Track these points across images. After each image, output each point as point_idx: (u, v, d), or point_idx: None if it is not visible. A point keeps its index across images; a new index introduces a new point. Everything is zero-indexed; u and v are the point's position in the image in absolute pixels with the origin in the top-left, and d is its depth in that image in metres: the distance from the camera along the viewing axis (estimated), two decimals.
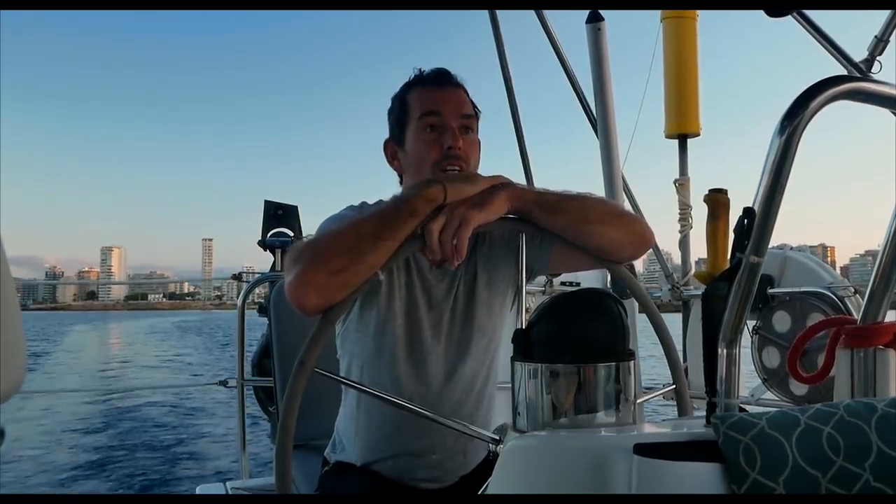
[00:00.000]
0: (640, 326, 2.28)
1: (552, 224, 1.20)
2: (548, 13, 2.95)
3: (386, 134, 1.51)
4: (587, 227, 1.21)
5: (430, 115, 1.40)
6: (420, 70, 1.47)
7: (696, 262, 3.13)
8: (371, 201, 1.46)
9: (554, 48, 2.97)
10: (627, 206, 2.86)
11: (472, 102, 1.45)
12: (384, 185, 1.56)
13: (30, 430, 9.15)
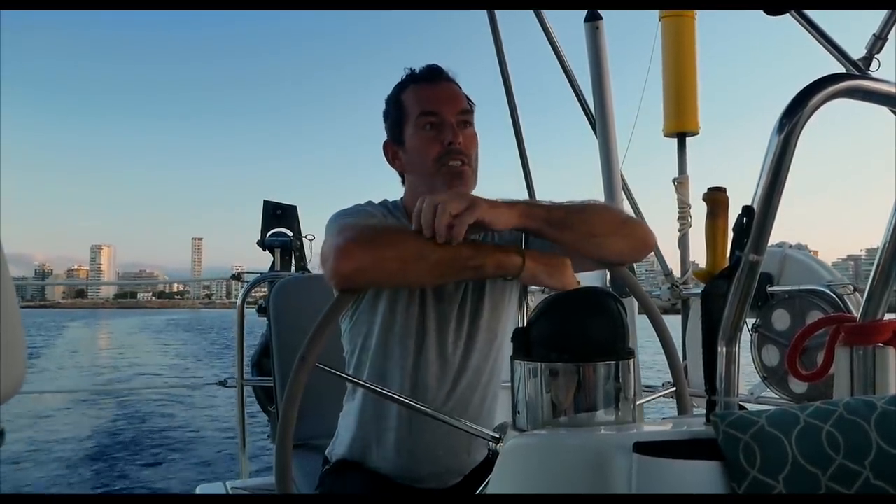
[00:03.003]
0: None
1: (561, 239, 1.24)
2: (546, 12, 2.95)
3: (381, 131, 1.51)
4: (594, 240, 1.25)
5: (427, 115, 1.40)
6: (411, 69, 1.47)
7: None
8: (377, 200, 1.48)
9: (552, 47, 2.97)
10: (626, 205, 2.86)
11: (467, 96, 1.46)
12: (380, 179, 1.56)
13: (27, 429, 9.15)
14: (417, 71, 1.47)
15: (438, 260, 1.13)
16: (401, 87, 1.47)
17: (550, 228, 1.22)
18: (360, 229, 1.17)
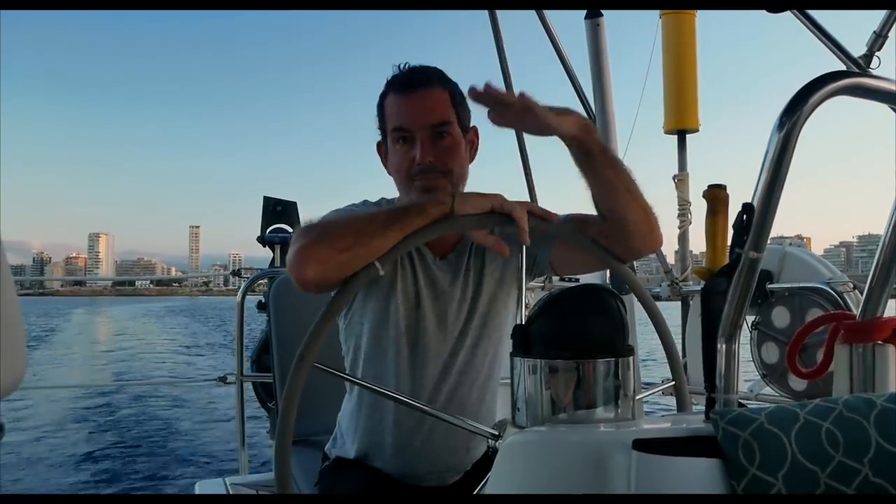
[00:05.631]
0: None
1: (599, 173, 1.18)
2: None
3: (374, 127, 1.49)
4: (625, 195, 1.20)
5: (398, 130, 1.37)
6: (398, 67, 1.42)
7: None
8: (373, 199, 1.47)
9: (552, 43, 2.97)
10: None
11: (453, 95, 1.39)
12: (377, 172, 1.54)
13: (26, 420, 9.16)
14: (398, 74, 1.41)
15: (385, 220, 1.12)
16: (384, 93, 1.42)
17: (601, 154, 1.17)
18: (306, 238, 1.16)
